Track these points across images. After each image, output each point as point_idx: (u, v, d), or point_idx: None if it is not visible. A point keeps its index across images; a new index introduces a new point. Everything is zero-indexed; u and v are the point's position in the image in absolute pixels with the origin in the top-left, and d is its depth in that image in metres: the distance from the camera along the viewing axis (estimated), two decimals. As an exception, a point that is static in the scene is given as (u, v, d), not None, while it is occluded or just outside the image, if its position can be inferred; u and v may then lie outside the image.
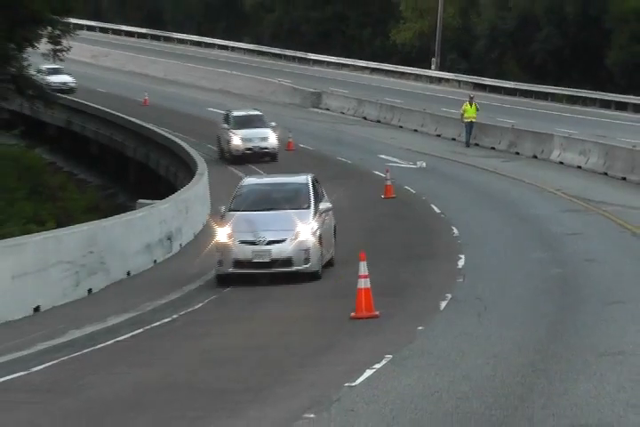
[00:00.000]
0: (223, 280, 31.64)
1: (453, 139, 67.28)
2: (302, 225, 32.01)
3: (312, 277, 31.29)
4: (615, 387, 16.35)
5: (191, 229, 41.54)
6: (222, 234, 32.22)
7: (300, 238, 31.62)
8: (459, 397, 16.16)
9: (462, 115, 63.71)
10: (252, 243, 31.60)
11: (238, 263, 31.58)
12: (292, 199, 34.15)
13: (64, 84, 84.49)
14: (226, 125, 64.05)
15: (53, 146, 69.65)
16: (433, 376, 17.74)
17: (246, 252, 31.56)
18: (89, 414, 16.47)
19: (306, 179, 34.98)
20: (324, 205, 33.68)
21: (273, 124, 63.92)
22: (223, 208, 34.28)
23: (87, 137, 70.06)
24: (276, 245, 31.48)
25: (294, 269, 31.23)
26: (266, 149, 62.94)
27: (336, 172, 53.98)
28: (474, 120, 63.03)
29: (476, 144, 64.51)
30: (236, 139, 62.97)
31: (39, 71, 76.99)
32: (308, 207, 33.22)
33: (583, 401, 15.50)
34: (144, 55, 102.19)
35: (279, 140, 61.09)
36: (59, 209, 45.75)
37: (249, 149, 62.54)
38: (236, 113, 66.29)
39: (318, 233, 32.02)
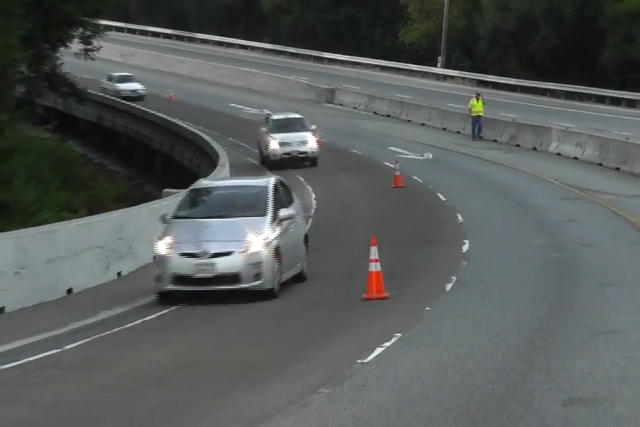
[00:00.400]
0: (165, 298, 25.67)
1: (458, 132, 67.23)
2: (253, 235, 26.33)
3: (265, 295, 25.43)
4: (609, 363, 16.39)
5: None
6: (161, 245, 26.33)
7: (251, 251, 25.87)
8: (463, 372, 16.22)
9: (470, 109, 63.57)
10: (195, 256, 25.81)
11: (179, 279, 25.79)
12: (246, 206, 28.31)
13: (134, 91, 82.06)
14: (265, 129, 59.51)
15: (85, 139, 69.68)
16: (439, 353, 17.78)
17: (188, 266, 25.79)
18: (118, 388, 16.53)
19: (266, 182, 29.22)
20: (286, 212, 27.69)
21: (313, 126, 58.93)
22: (168, 214, 28.26)
23: (116, 131, 70.08)
24: (222, 258, 25.80)
25: (242, 286, 25.47)
26: (305, 153, 57.61)
27: (349, 163, 54.06)
28: (481, 114, 62.91)
29: (480, 137, 64.52)
30: (274, 143, 57.82)
31: (110, 79, 77.82)
32: (264, 215, 27.10)
33: (579, 377, 15.55)
34: (170, 55, 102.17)
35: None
36: (90, 198, 45.72)
37: (287, 153, 57.23)
38: (275, 116, 61.81)
39: (274, 244, 26.24)
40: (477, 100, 62.92)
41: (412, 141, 62.76)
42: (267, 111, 73.83)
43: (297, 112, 63.02)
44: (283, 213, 27.17)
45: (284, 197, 28.65)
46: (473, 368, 16.49)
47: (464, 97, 79.91)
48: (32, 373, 17.87)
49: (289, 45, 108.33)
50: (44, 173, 45.39)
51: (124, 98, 74.93)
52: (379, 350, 18.10)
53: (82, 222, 31.22)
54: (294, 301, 25.36)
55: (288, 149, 56.91)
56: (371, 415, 13.72)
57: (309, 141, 58.89)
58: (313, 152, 58.90)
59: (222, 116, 71.63)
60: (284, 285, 26.78)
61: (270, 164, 57.68)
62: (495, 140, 62.23)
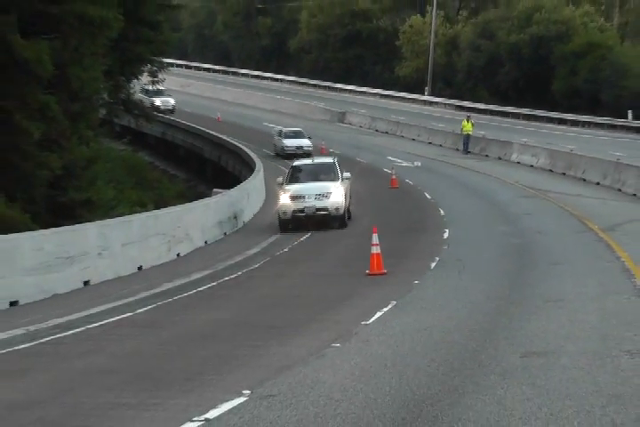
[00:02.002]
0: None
1: (440, 145, 67.23)
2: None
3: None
4: (557, 325, 16.38)
5: (251, 210, 41.71)
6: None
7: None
8: (444, 331, 16.23)
9: (462, 129, 62.80)
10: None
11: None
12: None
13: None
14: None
15: (152, 150, 69.76)
16: (425, 316, 17.80)
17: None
18: (177, 343, 16.62)
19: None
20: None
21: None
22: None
23: (176, 144, 70.17)
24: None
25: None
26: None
27: (355, 169, 54.03)
28: (470, 133, 62.13)
29: (457, 149, 64.49)
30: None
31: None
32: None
33: (534, 335, 15.54)
34: (217, 85, 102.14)
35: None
36: (156, 196, 45.88)
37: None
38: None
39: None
40: (467, 121, 62.44)
41: (404, 152, 62.73)
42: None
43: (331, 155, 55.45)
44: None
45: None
46: (451, 328, 16.50)
47: (445, 118, 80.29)
48: (111, 330, 17.97)
49: (310, 78, 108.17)
50: (121, 176, 45.56)
51: (288, 155, 60.30)
52: (378, 314, 18.14)
53: (150, 214, 31.49)
54: (313, 275, 25.44)
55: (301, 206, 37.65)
56: (372, 364, 13.74)
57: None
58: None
59: (257, 132, 71.69)
60: (306, 261, 26.99)
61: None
62: (469, 152, 62.20)
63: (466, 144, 62.23)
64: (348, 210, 37.03)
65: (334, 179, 36.90)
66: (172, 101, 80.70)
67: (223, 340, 16.48)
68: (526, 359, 13.58)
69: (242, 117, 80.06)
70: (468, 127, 61.73)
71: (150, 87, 69.51)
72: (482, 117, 78.67)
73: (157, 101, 74.12)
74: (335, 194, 35.72)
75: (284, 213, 35.73)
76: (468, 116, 64.76)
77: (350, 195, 38.03)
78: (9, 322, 18.53)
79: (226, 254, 29.91)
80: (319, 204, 35.65)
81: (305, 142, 60.69)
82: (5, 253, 21.59)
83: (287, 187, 36.31)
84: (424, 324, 16.98)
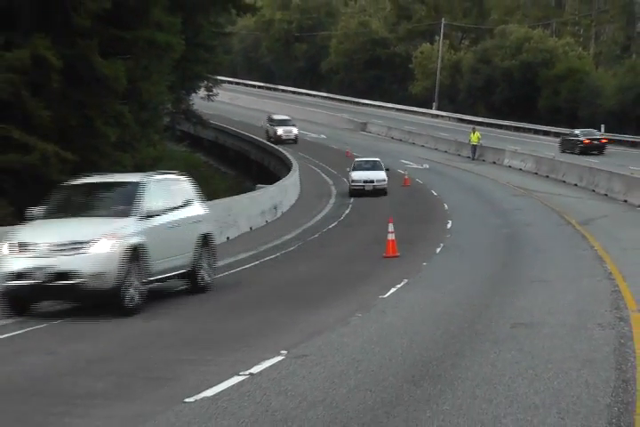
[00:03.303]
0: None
1: (445, 151, 67.01)
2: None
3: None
4: (541, 301, 16.37)
5: (288, 203, 41.70)
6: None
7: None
8: (446, 305, 16.23)
9: (470, 140, 61.87)
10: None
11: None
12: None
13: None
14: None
15: (207, 152, 69.76)
16: (431, 292, 17.79)
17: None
18: (228, 310, 16.66)
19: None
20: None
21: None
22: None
23: (227, 147, 70.25)
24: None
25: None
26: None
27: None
28: (476, 143, 61.15)
29: (459, 155, 64.40)
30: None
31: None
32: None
33: (521, 309, 15.54)
34: (261, 99, 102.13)
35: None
36: (209, 189, 45.83)
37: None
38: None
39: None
40: (474, 133, 61.60)
41: (415, 157, 62.65)
42: (323, 136, 74.05)
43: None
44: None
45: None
46: (453, 302, 16.49)
47: (449, 129, 79.96)
48: (171, 299, 17.95)
49: (337, 94, 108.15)
50: (181, 173, 45.58)
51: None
52: (393, 290, 18.13)
53: (206, 205, 31.46)
54: (339, 257, 25.40)
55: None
56: (387, 331, 13.76)
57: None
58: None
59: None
60: (332, 245, 26.96)
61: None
62: (469, 157, 62.07)
63: (474, 153, 61.44)
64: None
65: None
66: (294, 131, 70.53)
67: (265, 309, 16.50)
68: (515, 329, 13.58)
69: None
70: (474, 138, 61.25)
71: (275, 116, 72.33)
72: (479, 129, 78.58)
73: (279, 130, 69.87)
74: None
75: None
76: (474, 129, 64.01)
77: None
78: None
79: (267, 238, 29.94)
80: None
81: (379, 176, 43.49)
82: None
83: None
84: (430, 299, 16.99)
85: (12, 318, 15.35)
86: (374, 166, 44.44)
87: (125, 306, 15.44)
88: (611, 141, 64.63)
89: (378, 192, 42.64)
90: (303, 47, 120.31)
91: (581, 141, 61.89)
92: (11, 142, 25.58)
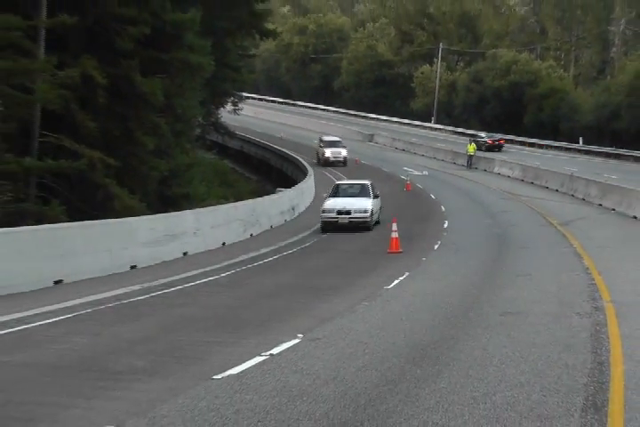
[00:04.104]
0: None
1: (442, 160, 67.03)
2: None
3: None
4: (526, 292, 16.37)
5: (304, 204, 41.72)
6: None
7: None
8: (443, 295, 16.23)
9: (467, 151, 61.76)
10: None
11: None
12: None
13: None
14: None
15: (233, 159, 69.87)
16: (430, 284, 17.79)
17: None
18: (250, 298, 16.65)
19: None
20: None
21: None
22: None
23: (250, 155, 70.37)
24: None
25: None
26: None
27: (381, 176, 53.89)
28: (472, 154, 61.06)
29: (454, 163, 64.35)
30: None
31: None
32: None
33: (509, 299, 15.52)
34: (281, 113, 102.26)
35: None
36: (235, 192, 45.94)
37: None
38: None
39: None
40: (470, 144, 61.86)
41: (416, 164, 62.64)
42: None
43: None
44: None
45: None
46: (449, 293, 16.50)
47: (446, 140, 79.93)
48: (203, 289, 18.03)
49: (348, 109, 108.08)
50: (210, 177, 45.66)
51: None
52: (396, 281, 18.14)
53: (231, 205, 31.54)
54: (349, 252, 25.43)
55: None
56: (391, 318, 13.76)
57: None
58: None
59: (309, 147, 71.64)
60: (343, 241, 26.96)
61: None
62: (463, 165, 62.01)
63: (469, 162, 61.27)
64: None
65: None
66: (343, 153, 61.14)
67: (283, 297, 16.53)
68: (503, 317, 13.56)
69: (298, 137, 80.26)
70: (471, 149, 61.09)
71: (325, 137, 64.45)
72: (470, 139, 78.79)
73: (327, 152, 61.23)
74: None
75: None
76: (471, 141, 64.50)
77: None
78: (130, 280, 18.71)
79: (285, 235, 29.99)
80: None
81: (360, 205, 32.35)
82: (129, 231, 21.82)
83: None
84: (429, 289, 16.99)
85: (60, 304, 15.40)
86: (360, 192, 32.93)
87: None
88: (507, 141, 76.23)
89: (356, 227, 30.90)
90: (318, 68, 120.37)
91: (486, 142, 72.56)
92: (62, 150, 25.67)
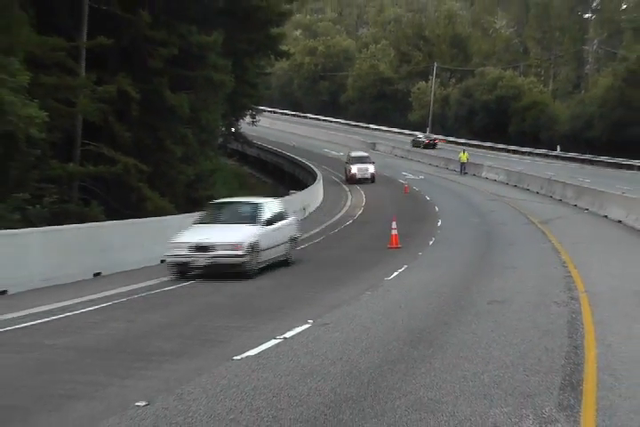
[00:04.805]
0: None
1: (437, 166, 66.83)
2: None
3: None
4: (511, 283, 16.29)
5: (314, 205, 41.70)
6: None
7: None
8: (438, 285, 16.17)
9: (460, 159, 60.93)
10: None
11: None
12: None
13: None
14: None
15: (251, 165, 69.94)
16: (426, 275, 17.74)
17: None
18: (267, 288, 16.62)
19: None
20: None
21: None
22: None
23: (266, 161, 70.35)
24: None
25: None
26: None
27: (382, 180, 53.84)
28: (465, 162, 60.10)
29: (447, 168, 64.20)
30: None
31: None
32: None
33: (495, 289, 15.45)
34: (293, 124, 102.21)
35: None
36: (252, 194, 45.89)
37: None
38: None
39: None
40: (463, 153, 61.32)
41: (413, 170, 62.50)
42: (341, 153, 73.59)
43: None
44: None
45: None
46: (442, 283, 16.44)
47: (440, 149, 79.76)
48: (224, 280, 18.00)
49: (353, 120, 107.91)
50: (231, 181, 45.72)
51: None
52: (395, 273, 18.09)
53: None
54: (354, 247, 25.36)
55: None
56: (392, 305, 13.72)
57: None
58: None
59: (318, 155, 71.76)
60: (348, 238, 26.89)
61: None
62: (454, 170, 61.86)
63: (462, 168, 60.52)
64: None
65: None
66: (370, 169, 52.28)
67: (295, 288, 16.50)
68: (490, 305, 13.52)
69: (308, 145, 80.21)
70: (463, 157, 60.75)
71: (353, 153, 54.80)
72: (462, 149, 78.68)
73: (354, 169, 52.45)
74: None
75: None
76: (464, 150, 64.31)
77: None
78: (160, 273, 18.68)
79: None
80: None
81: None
82: (159, 229, 21.80)
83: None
84: (425, 280, 16.93)
85: (99, 294, 15.42)
86: (242, 217, 19.25)
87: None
88: (441, 141, 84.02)
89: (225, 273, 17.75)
90: (326, 84, 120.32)
91: (424, 141, 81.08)
92: (101, 157, 25.75)
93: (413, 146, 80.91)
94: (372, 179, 52.02)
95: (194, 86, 30.06)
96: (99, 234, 19.07)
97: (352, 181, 51.84)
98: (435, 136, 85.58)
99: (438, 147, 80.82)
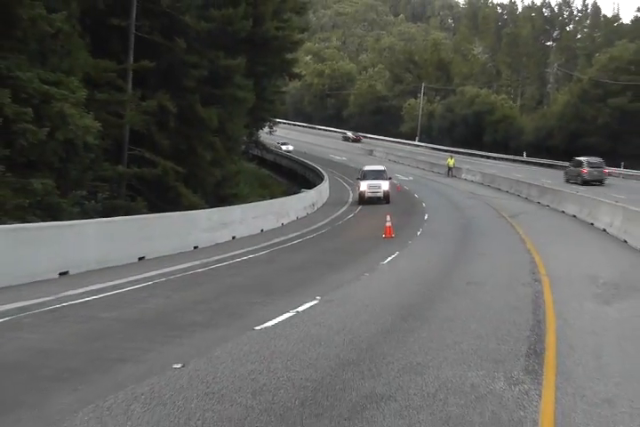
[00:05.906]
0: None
1: (423, 169, 66.68)
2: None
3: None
4: (485, 267, 16.26)
5: (322, 201, 41.55)
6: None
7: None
8: (423, 269, 16.12)
9: (447, 164, 60.24)
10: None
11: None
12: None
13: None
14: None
15: (270, 168, 69.79)
16: (414, 261, 17.69)
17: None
18: (282, 271, 16.56)
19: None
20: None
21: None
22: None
23: (282, 165, 70.23)
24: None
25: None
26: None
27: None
28: (452, 167, 59.45)
29: (432, 171, 63.95)
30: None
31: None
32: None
33: (472, 272, 15.36)
34: (304, 134, 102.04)
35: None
36: (270, 193, 45.88)
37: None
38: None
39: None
40: (451, 158, 60.68)
41: (404, 172, 62.26)
42: (344, 158, 73.35)
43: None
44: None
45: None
46: (428, 267, 16.40)
47: (426, 155, 79.43)
48: (245, 263, 17.96)
49: (354, 131, 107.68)
50: (252, 181, 45.65)
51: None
52: (389, 258, 18.02)
53: (268, 202, 31.48)
54: (354, 237, 25.34)
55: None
56: (386, 285, 13.68)
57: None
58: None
59: (325, 159, 71.67)
60: (350, 229, 26.83)
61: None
62: (439, 173, 61.67)
63: (448, 172, 59.77)
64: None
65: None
66: (384, 187, 38.65)
67: (306, 270, 16.45)
68: (468, 286, 13.48)
69: (318, 151, 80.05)
70: (451, 163, 60.11)
71: (366, 167, 46.34)
72: (445, 155, 78.32)
73: (363, 185, 38.87)
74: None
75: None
76: (451, 155, 63.72)
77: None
78: (193, 257, 18.70)
79: (308, 224, 29.90)
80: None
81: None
82: (193, 221, 21.84)
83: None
84: (414, 265, 16.89)
85: (143, 275, 15.43)
86: None
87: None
88: (363, 137, 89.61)
89: None
90: (332, 101, 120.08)
91: (352, 137, 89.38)
92: (144, 160, 25.77)
93: (343, 140, 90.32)
94: (387, 199, 37.34)
95: (221, 102, 30.04)
96: (143, 225, 19.08)
97: (361, 200, 37.72)
98: (359, 134, 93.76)
99: (362, 141, 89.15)
